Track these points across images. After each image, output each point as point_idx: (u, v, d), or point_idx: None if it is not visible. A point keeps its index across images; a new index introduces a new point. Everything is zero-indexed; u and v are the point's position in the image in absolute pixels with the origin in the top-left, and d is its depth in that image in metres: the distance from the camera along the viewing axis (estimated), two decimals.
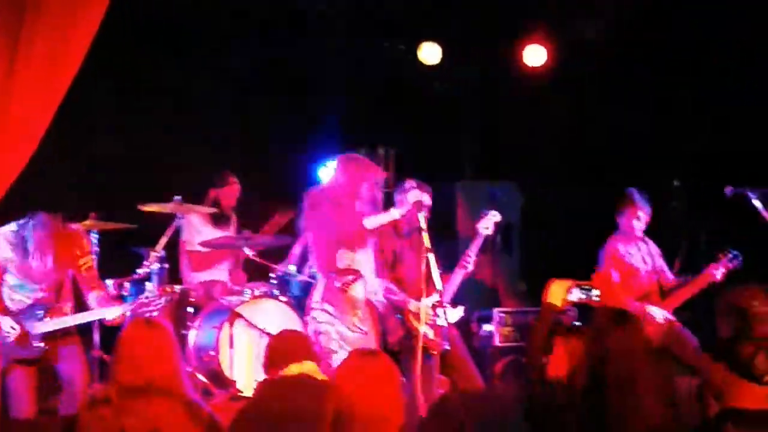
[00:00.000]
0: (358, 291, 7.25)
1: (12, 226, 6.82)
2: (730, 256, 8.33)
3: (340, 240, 7.40)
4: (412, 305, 7.57)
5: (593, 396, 4.83)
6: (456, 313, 7.73)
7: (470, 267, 7.93)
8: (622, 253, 8.30)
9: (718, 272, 8.21)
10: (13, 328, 6.65)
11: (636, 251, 8.40)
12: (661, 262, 8.53)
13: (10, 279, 6.81)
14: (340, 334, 7.17)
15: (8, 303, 6.78)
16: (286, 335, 5.71)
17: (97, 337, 8.20)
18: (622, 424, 4.70)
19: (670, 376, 5.10)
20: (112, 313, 6.91)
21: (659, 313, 7.76)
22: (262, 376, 7.88)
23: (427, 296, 7.35)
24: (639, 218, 8.49)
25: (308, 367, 5.29)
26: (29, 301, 6.83)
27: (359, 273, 7.31)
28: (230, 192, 9.38)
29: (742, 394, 4.70)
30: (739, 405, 4.69)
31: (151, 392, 4.69)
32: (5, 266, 6.78)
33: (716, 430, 4.63)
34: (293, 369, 5.24)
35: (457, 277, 7.87)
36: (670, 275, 8.48)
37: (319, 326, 7.37)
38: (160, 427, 4.63)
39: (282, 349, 5.43)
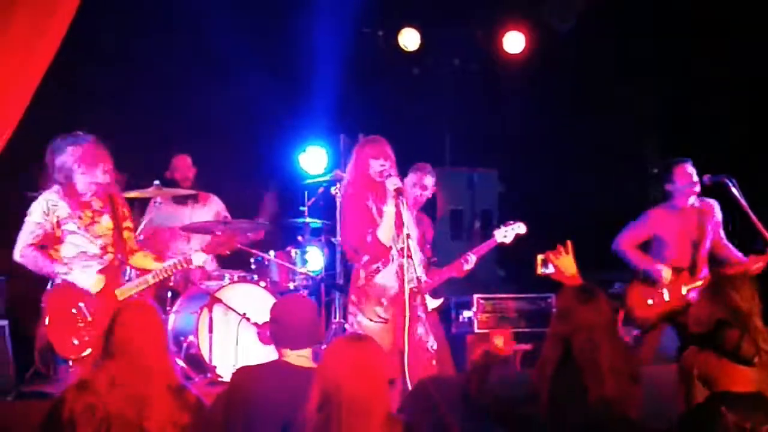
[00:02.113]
0: (385, 279, 7.22)
1: None
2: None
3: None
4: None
5: (562, 377, 4.84)
6: (434, 303, 7.70)
7: (469, 266, 7.92)
8: None
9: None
10: None
11: None
12: None
13: None
14: (360, 324, 7.16)
15: None
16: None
17: None
18: (586, 398, 4.71)
19: (631, 351, 5.12)
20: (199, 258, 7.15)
21: None
22: (240, 361, 7.98)
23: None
24: None
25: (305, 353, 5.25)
26: None
27: (387, 260, 7.24)
28: (179, 164, 9.47)
29: (733, 377, 4.73)
30: (731, 389, 4.72)
31: (140, 376, 4.68)
32: None
33: (711, 413, 4.64)
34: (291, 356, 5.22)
35: (452, 272, 7.85)
36: None
37: (349, 318, 7.38)
38: (147, 411, 4.63)
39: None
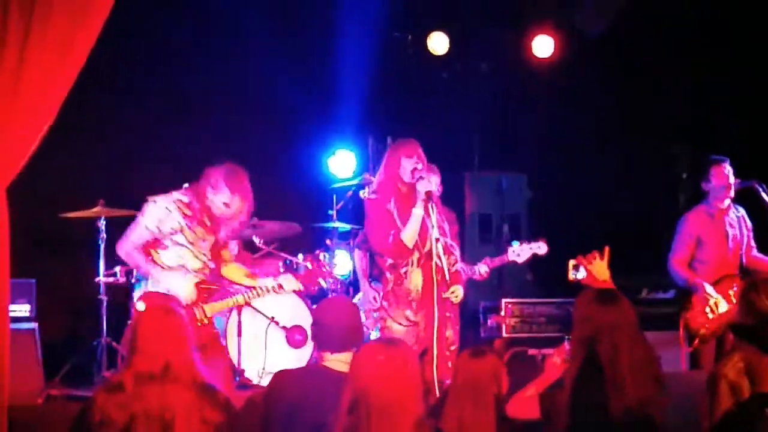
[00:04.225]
0: (413, 282, 7.22)
1: None
2: None
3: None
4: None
5: (585, 380, 4.81)
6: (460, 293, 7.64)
7: (478, 277, 7.90)
8: None
9: None
10: None
11: None
12: None
13: None
14: (389, 329, 7.17)
15: None
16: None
17: (104, 323, 8.28)
18: (608, 401, 4.68)
19: (654, 353, 5.06)
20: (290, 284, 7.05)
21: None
22: (268, 365, 8.00)
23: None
24: None
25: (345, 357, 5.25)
26: None
27: (414, 263, 7.24)
28: None
29: None
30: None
31: (167, 378, 4.70)
32: None
33: (753, 414, 4.56)
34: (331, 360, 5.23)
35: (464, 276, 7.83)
36: None
37: (379, 323, 7.38)
38: (172, 412, 4.64)
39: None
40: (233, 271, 7.08)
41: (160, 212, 6.63)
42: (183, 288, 6.54)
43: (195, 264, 6.73)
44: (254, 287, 6.99)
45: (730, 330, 7.70)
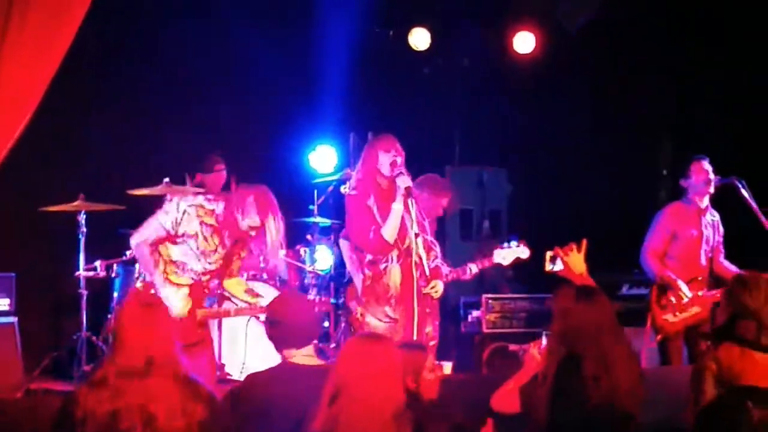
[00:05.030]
0: (392, 278, 7.23)
1: None
2: None
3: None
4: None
5: (564, 376, 4.84)
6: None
7: (468, 277, 7.96)
8: None
9: None
10: None
11: None
12: None
13: None
14: (368, 325, 7.17)
15: None
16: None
17: (84, 317, 8.25)
18: (588, 396, 4.71)
19: (633, 349, 5.09)
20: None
21: None
22: (250, 359, 8.00)
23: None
24: None
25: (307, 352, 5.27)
26: None
27: (393, 259, 7.25)
28: (216, 179, 9.29)
29: (758, 371, 4.64)
30: (757, 383, 4.62)
31: (149, 373, 4.69)
32: None
33: (733, 407, 4.55)
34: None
35: (450, 276, 7.85)
36: None
37: (359, 318, 7.38)
38: (155, 407, 4.64)
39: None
40: (234, 286, 7.09)
41: (179, 214, 6.61)
42: (175, 302, 6.51)
43: (197, 266, 6.71)
44: (249, 304, 6.99)
45: (702, 338, 7.81)
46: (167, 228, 6.58)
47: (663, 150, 11.97)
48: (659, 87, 11.58)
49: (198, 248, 6.64)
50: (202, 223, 6.62)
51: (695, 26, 10.88)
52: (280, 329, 5.23)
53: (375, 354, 4.37)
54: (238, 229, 6.68)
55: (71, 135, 9.55)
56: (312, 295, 9.08)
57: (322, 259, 9.58)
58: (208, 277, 6.78)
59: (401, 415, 4.35)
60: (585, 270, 5.43)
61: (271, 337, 5.29)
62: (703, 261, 8.39)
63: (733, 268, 8.32)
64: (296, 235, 9.72)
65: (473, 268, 7.94)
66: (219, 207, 6.67)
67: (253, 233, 6.72)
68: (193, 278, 6.68)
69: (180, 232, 6.59)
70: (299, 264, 9.23)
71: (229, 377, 7.95)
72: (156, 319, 4.87)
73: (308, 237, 9.65)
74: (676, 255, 8.37)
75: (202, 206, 6.65)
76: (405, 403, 4.38)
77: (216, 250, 6.72)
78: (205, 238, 6.65)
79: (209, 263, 6.73)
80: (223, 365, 8.01)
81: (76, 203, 8.24)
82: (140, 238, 6.59)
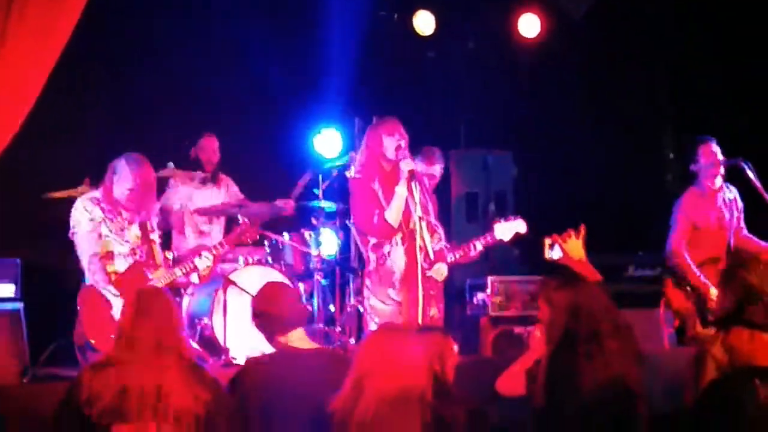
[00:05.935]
0: (396, 261, 7.23)
1: None
2: None
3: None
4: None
5: (559, 360, 4.84)
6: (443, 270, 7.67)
7: (475, 254, 7.92)
8: None
9: None
10: None
11: None
12: None
13: None
14: (373, 308, 7.19)
15: None
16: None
17: None
18: (583, 380, 4.71)
19: (631, 329, 5.09)
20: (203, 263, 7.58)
21: None
22: (255, 344, 7.98)
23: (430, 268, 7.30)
24: None
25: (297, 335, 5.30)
26: None
27: (397, 242, 7.25)
28: (207, 145, 9.34)
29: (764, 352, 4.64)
30: (764, 364, 4.62)
31: (156, 356, 4.72)
32: None
33: (740, 386, 4.56)
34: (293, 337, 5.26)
35: (451, 257, 7.82)
36: None
37: (364, 301, 7.40)
38: (161, 388, 4.66)
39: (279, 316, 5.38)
40: (160, 276, 7.43)
41: (84, 212, 7.28)
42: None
43: (122, 249, 7.28)
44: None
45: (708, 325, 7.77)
46: (89, 228, 7.30)
47: (668, 133, 11.94)
48: (664, 70, 11.56)
49: (110, 230, 7.32)
50: (102, 210, 7.35)
51: (698, 10, 10.85)
52: (269, 320, 5.34)
53: (397, 349, 4.44)
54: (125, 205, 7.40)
55: (76, 119, 9.54)
56: (317, 279, 9.08)
57: (327, 243, 9.56)
58: (139, 255, 7.40)
59: (421, 400, 4.40)
60: (584, 255, 5.42)
61: (260, 328, 5.40)
62: (721, 242, 8.36)
63: (756, 240, 8.34)
64: (302, 219, 9.72)
65: (478, 245, 7.91)
66: (99, 194, 7.45)
67: (132, 195, 7.33)
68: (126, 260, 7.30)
69: (97, 221, 7.33)
70: (304, 248, 9.20)
71: (234, 361, 7.93)
72: (162, 303, 4.90)
73: (313, 221, 9.62)
74: (700, 244, 8.33)
75: (94, 197, 7.39)
76: (425, 389, 4.43)
77: (124, 227, 7.39)
78: (112, 221, 7.35)
79: (128, 242, 7.39)
80: (228, 349, 8.00)
81: (81, 188, 8.23)
82: (86, 257, 7.27)
